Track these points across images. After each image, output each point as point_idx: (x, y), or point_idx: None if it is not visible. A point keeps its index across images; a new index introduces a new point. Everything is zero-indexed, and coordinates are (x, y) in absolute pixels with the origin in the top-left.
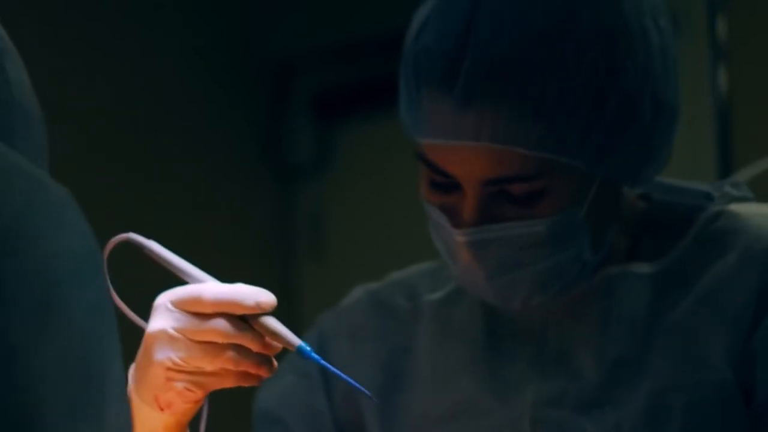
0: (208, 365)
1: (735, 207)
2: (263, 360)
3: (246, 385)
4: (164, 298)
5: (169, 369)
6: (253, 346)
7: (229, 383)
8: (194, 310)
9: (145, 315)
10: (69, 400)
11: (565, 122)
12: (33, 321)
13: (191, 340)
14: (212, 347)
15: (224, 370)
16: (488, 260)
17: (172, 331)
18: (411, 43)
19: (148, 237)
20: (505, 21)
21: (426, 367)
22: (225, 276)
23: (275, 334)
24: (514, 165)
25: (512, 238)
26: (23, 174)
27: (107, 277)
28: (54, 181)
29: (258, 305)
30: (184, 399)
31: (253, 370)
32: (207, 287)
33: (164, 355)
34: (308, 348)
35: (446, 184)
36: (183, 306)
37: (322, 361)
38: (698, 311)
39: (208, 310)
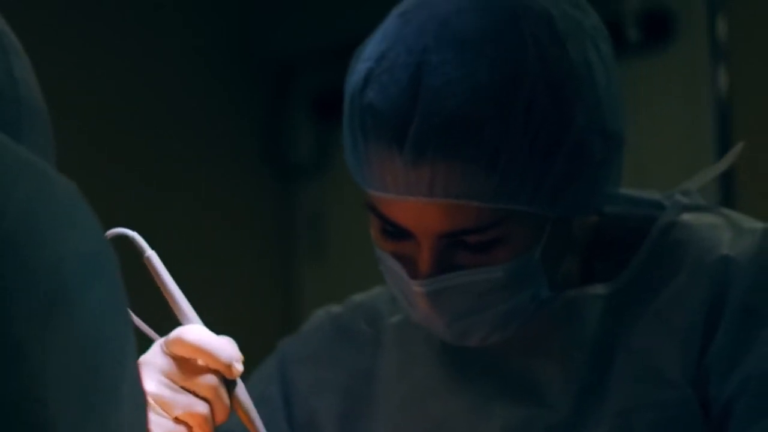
0: (179, 410)
1: (687, 217)
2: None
3: None
4: (161, 340)
5: None
6: (221, 416)
7: None
8: (174, 352)
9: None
10: (76, 401)
11: (519, 173)
12: (39, 319)
13: (176, 384)
14: (192, 398)
15: (183, 424)
16: (447, 307)
17: (160, 374)
18: (356, 95)
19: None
20: (452, 76)
21: (391, 393)
22: (225, 276)
23: (246, 412)
24: (469, 218)
25: (470, 285)
26: (30, 168)
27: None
28: (62, 175)
29: (231, 366)
30: None
31: None
32: (190, 330)
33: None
34: None
35: (398, 232)
36: (171, 347)
37: None
38: (654, 329)
39: (188, 354)
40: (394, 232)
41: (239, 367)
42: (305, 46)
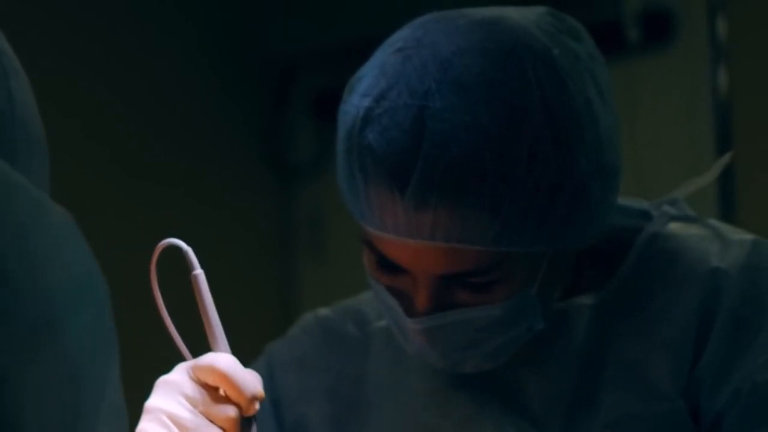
0: None
1: (672, 227)
2: None
3: None
4: (189, 363)
5: (156, 416)
6: None
7: None
8: (202, 379)
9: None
10: (58, 425)
11: (521, 218)
12: (23, 346)
13: (196, 409)
14: (210, 425)
15: None
16: (443, 342)
17: (182, 396)
18: (354, 134)
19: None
20: (455, 123)
21: (382, 400)
22: (224, 276)
23: None
24: (469, 260)
25: (467, 322)
26: (24, 195)
27: (156, 286)
28: (55, 203)
29: (252, 402)
30: None
31: None
32: (222, 359)
33: (165, 404)
34: None
35: (395, 267)
36: (198, 372)
37: None
38: (644, 340)
39: (215, 382)
40: (390, 266)
41: (257, 406)
42: (305, 46)
